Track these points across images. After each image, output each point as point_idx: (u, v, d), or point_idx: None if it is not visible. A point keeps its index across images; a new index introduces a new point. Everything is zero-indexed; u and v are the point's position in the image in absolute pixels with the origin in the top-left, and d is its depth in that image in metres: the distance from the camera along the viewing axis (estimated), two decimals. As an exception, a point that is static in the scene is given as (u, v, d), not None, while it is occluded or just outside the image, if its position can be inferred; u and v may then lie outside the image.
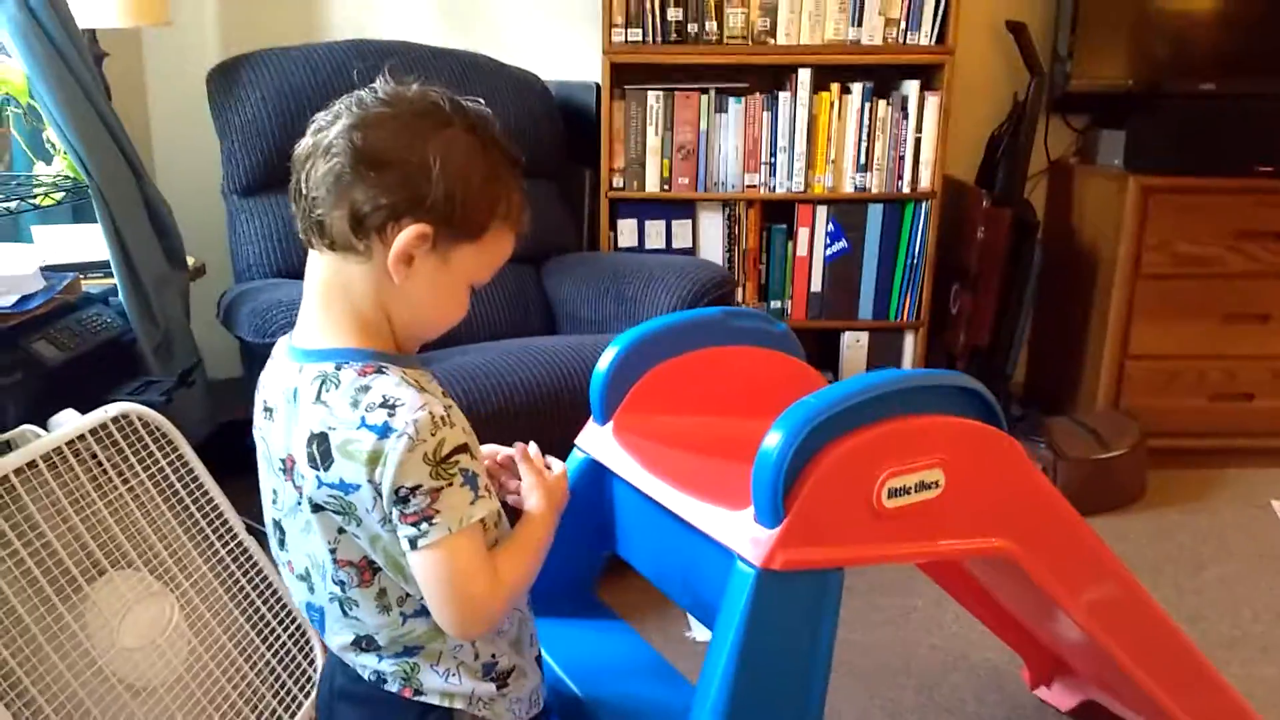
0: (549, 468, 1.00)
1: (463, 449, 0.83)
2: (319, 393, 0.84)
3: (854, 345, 2.62)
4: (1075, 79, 2.54)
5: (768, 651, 0.96)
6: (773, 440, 0.95)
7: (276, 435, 0.89)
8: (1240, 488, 2.46)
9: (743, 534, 0.97)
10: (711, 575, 1.02)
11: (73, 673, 1.23)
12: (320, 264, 0.88)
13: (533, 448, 1.01)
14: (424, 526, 0.81)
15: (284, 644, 1.50)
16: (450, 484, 0.82)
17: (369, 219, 0.83)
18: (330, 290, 0.87)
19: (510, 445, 1.02)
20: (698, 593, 1.11)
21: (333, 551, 0.88)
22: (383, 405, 0.81)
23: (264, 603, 1.51)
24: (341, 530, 0.86)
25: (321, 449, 0.83)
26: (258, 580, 1.51)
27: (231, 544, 1.51)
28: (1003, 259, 2.53)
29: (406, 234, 0.83)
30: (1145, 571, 2.06)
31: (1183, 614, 1.90)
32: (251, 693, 1.42)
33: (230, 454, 1.58)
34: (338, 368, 0.85)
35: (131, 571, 1.36)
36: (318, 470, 0.83)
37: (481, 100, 0.89)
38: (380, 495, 0.82)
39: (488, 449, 1.02)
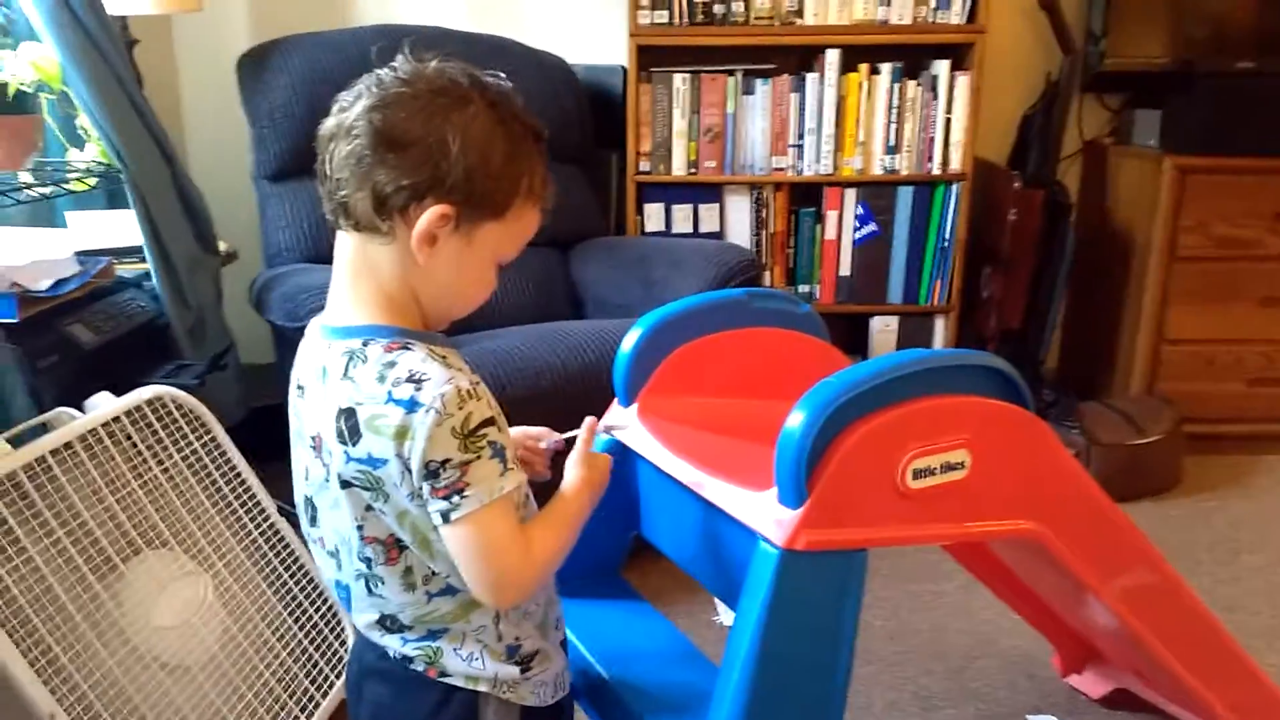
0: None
1: (490, 422, 0.83)
2: (346, 369, 0.85)
3: (883, 330, 2.60)
4: (1109, 57, 2.50)
5: (791, 632, 0.96)
6: (796, 420, 0.94)
7: (307, 412, 0.90)
8: (1278, 474, 2.42)
9: (766, 514, 0.97)
10: (736, 556, 1.02)
11: (108, 650, 1.25)
12: (347, 243, 0.88)
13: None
14: (455, 499, 0.82)
15: (315, 624, 1.52)
16: (479, 457, 0.82)
17: (391, 200, 0.83)
18: (357, 269, 0.88)
19: (539, 428, 1.05)
20: (722, 574, 1.11)
21: (360, 528, 0.88)
22: (409, 380, 0.82)
23: (296, 583, 1.53)
24: (369, 507, 0.87)
25: (350, 424, 0.84)
26: (290, 561, 1.53)
27: (264, 525, 1.53)
28: (1035, 242, 2.49)
29: (429, 214, 0.83)
30: (1181, 559, 2.02)
31: (1219, 602, 1.87)
32: (284, 671, 1.44)
33: (263, 439, 1.60)
34: (365, 344, 0.85)
35: (166, 551, 1.38)
36: (346, 446, 0.84)
37: (502, 75, 0.89)
38: (409, 470, 0.82)
39: (519, 431, 1.03)
